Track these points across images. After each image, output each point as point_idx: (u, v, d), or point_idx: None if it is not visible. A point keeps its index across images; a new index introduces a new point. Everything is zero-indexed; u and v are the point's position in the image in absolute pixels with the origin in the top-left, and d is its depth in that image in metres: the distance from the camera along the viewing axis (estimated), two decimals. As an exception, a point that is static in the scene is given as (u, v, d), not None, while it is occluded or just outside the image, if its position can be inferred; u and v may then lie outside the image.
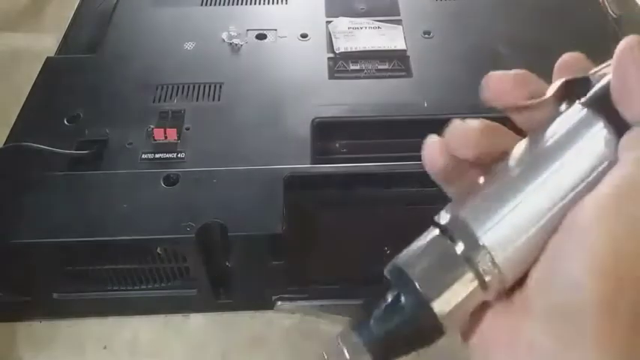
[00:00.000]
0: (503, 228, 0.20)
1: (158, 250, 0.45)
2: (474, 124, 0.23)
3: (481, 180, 0.22)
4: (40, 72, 0.58)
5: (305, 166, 0.48)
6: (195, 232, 0.42)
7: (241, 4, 0.67)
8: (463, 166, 0.23)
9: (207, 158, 0.49)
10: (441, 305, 0.20)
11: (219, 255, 0.46)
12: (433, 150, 0.23)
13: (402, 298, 0.21)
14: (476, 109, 0.58)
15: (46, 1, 0.80)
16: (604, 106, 0.20)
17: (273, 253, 0.44)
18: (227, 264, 0.46)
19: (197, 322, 0.50)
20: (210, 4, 0.67)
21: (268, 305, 0.49)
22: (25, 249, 0.43)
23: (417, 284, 0.20)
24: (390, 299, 0.21)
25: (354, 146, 0.53)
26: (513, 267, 0.21)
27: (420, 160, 0.52)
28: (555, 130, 0.21)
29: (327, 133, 0.52)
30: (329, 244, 0.49)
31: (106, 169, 0.48)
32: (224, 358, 0.48)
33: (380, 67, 0.58)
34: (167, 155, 0.49)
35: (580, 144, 0.20)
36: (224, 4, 0.67)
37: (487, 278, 0.20)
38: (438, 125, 0.59)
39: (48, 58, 0.60)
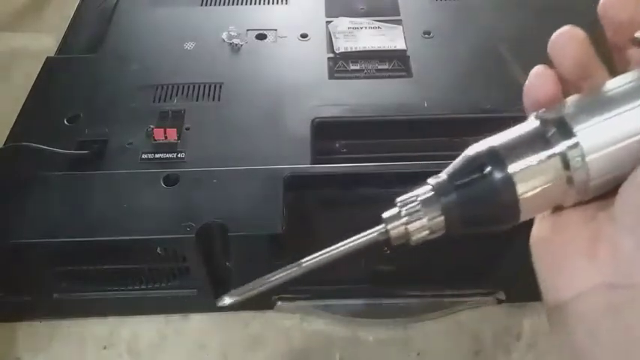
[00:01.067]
0: (600, 132, 0.21)
1: (158, 250, 0.45)
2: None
3: (585, 91, 0.23)
4: (40, 72, 0.58)
5: (305, 165, 0.48)
6: (195, 232, 0.42)
7: (241, 4, 0.67)
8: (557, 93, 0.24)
9: (207, 158, 0.49)
10: (524, 186, 0.21)
11: (219, 255, 0.46)
12: (538, 73, 0.24)
13: (488, 171, 0.21)
14: (476, 109, 0.58)
15: (46, 1, 0.80)
16: None
17: (273, 253, 0.44)
18: (227, 264, 0.46)
19: (197, 322, 0.50)
20: (210, 4, 0.67)
21: (269, 305, 0.49)
22: (25, 249, 0.43)
23: (506, 161, 0.21)
24: (475, 171, 0.22)
25: (355, 146, 0.53)
26: (600, 172, 0.21)
27: (421, 160, 0.52)
28: None
29: (328, 133, 0.52)
30: (329, 244, 0.49)
31: (106, 169, 0.48)
32: (224, 358, 0.48)
33: (380, 67, 0.58)
34: (167, 155, 0.49)
35: None
36: (224, 4, 0.67)
37: (574, 174, 0.21)
38: (438, 125, 0.59)
39: (48, 58, 0.59)
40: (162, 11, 0.66)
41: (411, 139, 0.52)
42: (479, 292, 0.50)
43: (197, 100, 0.54)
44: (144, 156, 0.49)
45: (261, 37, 0.62)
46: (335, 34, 0.61)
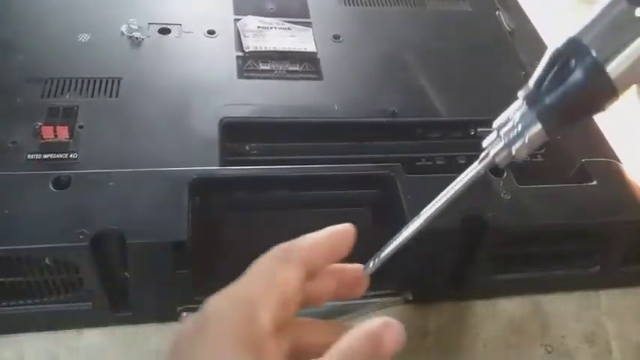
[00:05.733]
0: None
1: (47, 260, 0.41)
2: None
3: None
4: None
5: (212, 168, 0.46)
6: (89, 240, 0.39)
7: (143, -5, 0.63)
8: None
9: (103, 159, 0.45)
10: (616, 66, 0.21)
11: (117, 265, 0.43)
12: None
13: (573, 64, 0.21)
14: (384, 113, 0.60)
15: None
16: None
17: (177, 262, 0.42)
18: (125, 274, 0.43)
19: (92, 338, 0.46)
20: (109, -6, 0.62)
21: (173, 317, 0.46)
22: None
23: (590, 48, 0.21)
24: (560, 68, 0.21)
25: (265, 148, 0.51)
26: None
27: (331, 163, 0.52)
28: None
29: (237, 134, 0.51)
30: (238, 250, 0.47)
31: (-16, 172, 0.43)
32: (123, 375, 0.44)
33: (290, 68, 0.57)
34: (57, 155, 0.45)
35: None
36: (124, -5, 0.63)
37: None
38: (348, 128, 0.60)
39: None
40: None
41: (321, 143, 0.52)
42: (387, 292, 0.50)
43: (92, 96, 0.51)
44: (30, 156, 0.45)
45: (165, 31, 0.59)
46: (244, 33, 0.60)
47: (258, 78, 0.56)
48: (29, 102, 0.49)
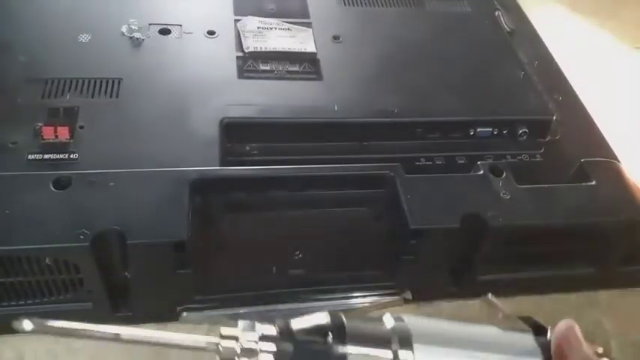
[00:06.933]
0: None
1: (47, 260, 0.41)
2: None
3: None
4: None
5: (213, 168, 0.46)
6: (89, 240, 0.39)
7: (143, -4, 0.63)
8: None
9: (103, 159, 0.45)
10: None
11: (117, 265, 0.43)
12: None
13: (330, 341, 0.25)
14: (384, 113, 0.60)
15: None
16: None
17: (177, 262, 0.42)
18: (126, 274, 0.43)
19: (92, 337, 0.46)
20: (109, -5, 0.62)
21: (173, 317, 0.47)
22: None
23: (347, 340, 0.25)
24: (319, 335, 0.25)
25: (265, 148, 0.51)
26: None
27: (332, 163, 0.52)
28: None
29: (237, 134, 0.51)
30: (238, 250, 0.47)
31: (-15, 172, 0.43)
32: (123, 375, 0.44)
33: (290, 68, 0.58)
34: (58, 156, 0.45)
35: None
36: (124, -5, 0.63)
37: None
38: (347, 129, 0.60)
39: None
40: (54, -3, 0.61)
41: (321, 143, 0.52)
42: (386, 292, 0.50)
43: (93, 97, 0.51)
44: (30, 157, 0.45)
45: (165, 32, 0.59)
46: (244, 33, 0.60)
47: (259, 78, 0.56)
48: (30, 102, 0.49)
